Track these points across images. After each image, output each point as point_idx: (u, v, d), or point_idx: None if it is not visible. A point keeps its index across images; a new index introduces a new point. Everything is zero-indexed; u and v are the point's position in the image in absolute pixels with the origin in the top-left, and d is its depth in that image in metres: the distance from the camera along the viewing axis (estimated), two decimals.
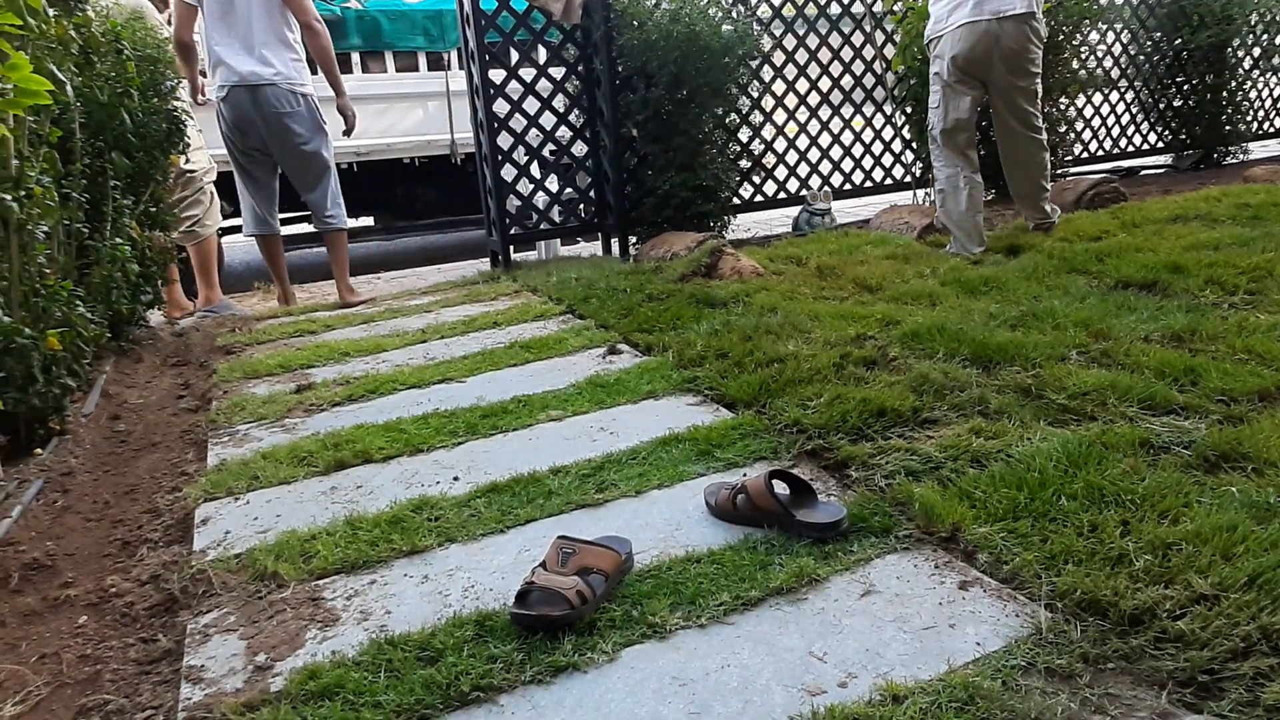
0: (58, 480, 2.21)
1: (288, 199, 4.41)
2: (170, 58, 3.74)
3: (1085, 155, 6.17)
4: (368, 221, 6.74)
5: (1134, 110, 6.33)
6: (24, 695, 1.39)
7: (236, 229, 6.05)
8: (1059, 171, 5.66)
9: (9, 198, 2.30)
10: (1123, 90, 6.25)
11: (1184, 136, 6.41)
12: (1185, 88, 6.30)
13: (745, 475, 1.82)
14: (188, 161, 4.09)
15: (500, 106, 4.46)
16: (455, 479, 1.99)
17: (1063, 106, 5.58)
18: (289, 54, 3.88)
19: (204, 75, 4.18)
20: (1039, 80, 3.80)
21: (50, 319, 2.49)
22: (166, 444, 2.51)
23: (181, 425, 2.66)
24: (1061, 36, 5.20)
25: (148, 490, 2.18)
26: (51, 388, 2.42)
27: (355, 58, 5.76)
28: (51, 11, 2.62)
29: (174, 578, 1.67)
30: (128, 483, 2.24)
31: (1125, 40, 6.18)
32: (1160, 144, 6.47)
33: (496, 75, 4.44)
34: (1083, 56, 5.82)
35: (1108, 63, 6.13)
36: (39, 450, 2.36)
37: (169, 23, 4.16)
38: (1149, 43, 6.21)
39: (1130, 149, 6.38)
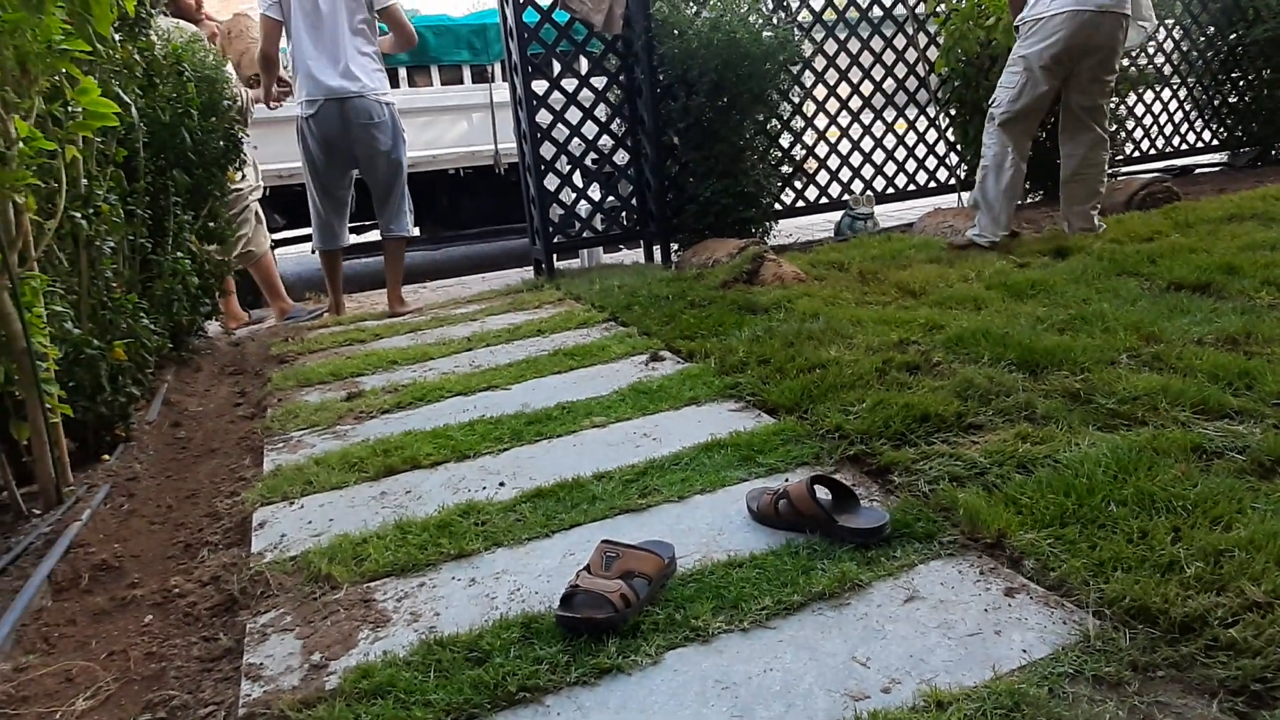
0: (124, 485, 2.30)
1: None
2: (227, 77, 3.86)
3: (1137, 154, 6.03)
4: (414, 232, 6.87)
5: (1187, 107, 6.17)
6: (94, 690, 1.46)
7: (288, 241, 6.23)
8: (1109, 171, 5.54)
9: (79, 215, 2.42)
10: (1175, 87, 6.10)
11: (1240, 133, 6.22)
12: (1241, 83, 6.12)
13: (787, 480, 1.82)
14: (242, 179, 4.22)
15: (543, 117, 4.53)
16: (501, 484, 2.03)
17: (1113, 105, 5.46)
18: (373, 65, 3.98)
19: (280, 85, 4.23)
20: (1113, 81, 3.80)
21: (116, 330, 2.60)
22: (225, 450, 2.60)
23: (239, 432, 2.75)
24: None
25: (208, 495, 2.26)
26: (118, 396, 2.52)
27: (402, 72, 5.88)
28: (118, 37, 2.74)
29: (233, 579, 1.73)
30: (189, 487, 2.33)
31: (1177, 36, 6.03)
32: (1215, 141, 6.29)
33: (539, 86, 4.51)
34: (1133, 53, 5.69)
35: (1159, 59, 5.99)
36: (106, 456, 2.46)
37: (211, 39, 4.27)
38: (1202, 38, 6.05)
39: (1184, 147, 6.22)
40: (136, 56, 3.03)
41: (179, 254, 3.28)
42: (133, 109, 2.85)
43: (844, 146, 5.26)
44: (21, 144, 1.98)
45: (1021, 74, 3.83)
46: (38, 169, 2.10)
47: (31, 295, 2.06)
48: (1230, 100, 6.17)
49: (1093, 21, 3.67)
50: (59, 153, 2.19)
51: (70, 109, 2.24)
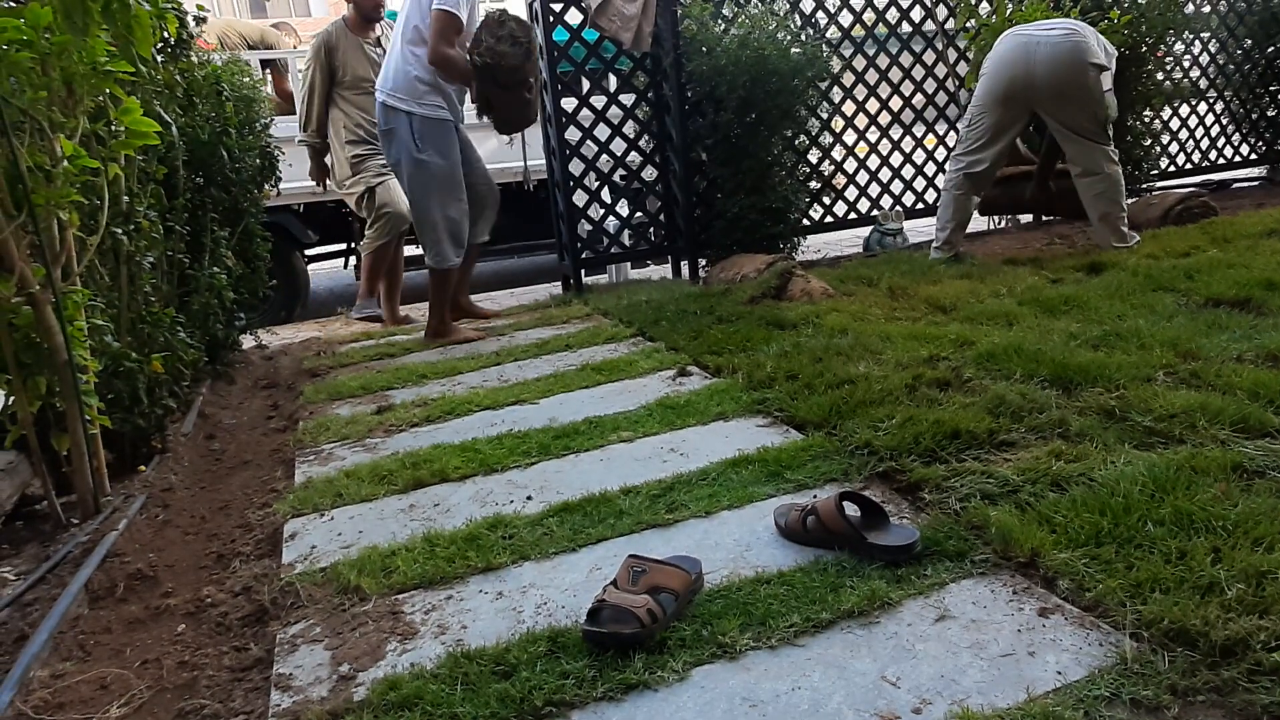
0: (159, 496, 2.34)
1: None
2: (264, 96, 3.93)
3: (1172, 169, 5.94)
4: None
5: (1224, 121, 6.07)
6: (128, 698, 1.48)
7: (322, 256, 6.32)
8: (1143, 186, 5.47)
9: (120, 231, 2.47)
10: (1211, 101, 6.00)
11: (1279, 147, 6.11)
12: (1279, 96, 6.02)
13: (815, 497, 1.81)
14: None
15: (572, 134, 4.57)
16: (529, 498, 2.04)
17: (1147, 119, 5.40)
18: (407, 67, 3.62)
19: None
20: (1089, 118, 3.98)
21: (154, 344, 2.66)
22: (257, 462, 2.64)
23: (271, 444, 2.79)
24: (1145, 48, 5.05)
25: (240, 506, 2.29)
26: (154, 409, 2.57)
27: None
28: (159, 59, 2.81)
29: (264, 590, 1.75)
30: (222, 499, 2.37)
31: (1213, 49, 5.95)
32: (1253, 156, 6.18)
33: (568, 103, 4.55)
34: (1168, 67, 5.62)
35: (1194, 73, 5.91)
36: (143, 467, 2.50)
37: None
38: (1239, 51, 5.96)
39: (1221, 161, 6.11)
40: (177, 77, 3.11)
41: (215, 269, 3.34)
42: (173, 128, 2.91)
43: (873, 162, 5.24)
44: (66, 162, 2.04)
45: (974, 117, 4.04)
46: (81, 186, 2.16)
47: (74, 309, 2.11)
48: (1269, 114, 6.06)
49: (1026, 49, 3.76)
50: (102, 170, 2.25)
51: (113, 128, 2.30)
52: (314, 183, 4.67)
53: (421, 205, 3.78)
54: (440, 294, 3.86)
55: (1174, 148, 5.92)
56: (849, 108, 5.16)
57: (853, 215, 5.26)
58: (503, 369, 3.23)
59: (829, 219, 5.20)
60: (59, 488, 2.20)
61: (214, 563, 1.98)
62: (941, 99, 5.32)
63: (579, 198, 4.66)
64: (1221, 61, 5.96)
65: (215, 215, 3.45)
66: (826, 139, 5.09)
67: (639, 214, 4.92)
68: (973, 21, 4.91)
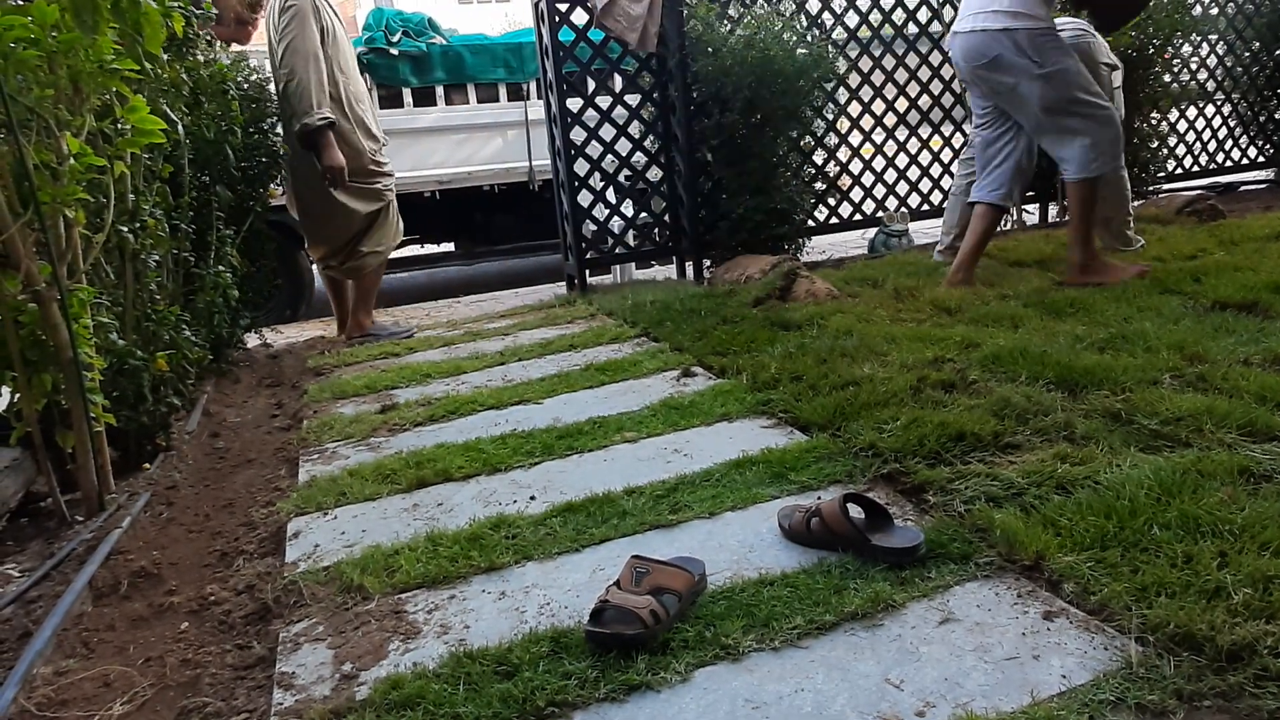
0: (163, 493, 2.35)
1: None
2: (269, 95, 3.91)
3: (1179, 171, 5.93)
4: (449, 247, 6.95)
5: (1231, 123, 6.05)
6: (131, 695, 1.48)
7: None
8: (1151, 189, 5.45)
9: (125, 229, 2.48)
10: (1219, 103, 5.98)
11: None
12: None
13: (819, 498, 1.80)
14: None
15: (577, 134, 4.56)
16: (532, 498, 2.04)
17: (1154, 121, 5.38)
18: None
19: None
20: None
21: (159, 342, 2.66)
22: (261, 461, 2.64)
23: (275, 443, 2.79)
24: (1152, 50, 5.03)
25: (244, 504, 2.30)
26: (159, 407, 2.57)
27: (439, 90, 5.98)
28: (166, 56, 2.81)
29: (267, 588, 1.76)
30: (226, 497, 2.37)
31: (1221, 51, 5.93)
32: (1261, 158, 6.16)
33: (574, 104, 4.55)
34: (1175, 69, 5.60)
35: (1202, 75, 5.89)
36: (147, 465, 2.51)
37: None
38: (1247, 53, 5.94)
39: (1228, 164, 6.09)
40: (184, 75, 3.11)
41: (220, 268, 3.35)
42: (179, 126, 2.92)
43: (878, 163, 5.24)
44: (73, 160, 2.05)
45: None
46: (87, 184, 2.16)
47: (79, 307, 2.12)
48: (1276, 116, 6.04)
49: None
50: (108, 169, 2.25)
51: (119, 126, 2.30)
52: (332, 181, 3.72)
53: (1066, 119, 3.31)
54: (1089, 213, 3.38)
55: (1181, 150, 5.90)
56: (854, 109, 5.15)
57: (858, 216, 5.25)
58: (507, 369, 3.23)
59: (834, 220, 5.19)
60: (63, 485, 2.20)
61: (217, 561, 1.98)
62: (947, 100, 5.31)
63: (584, 198, 4.66)
64: (1229, 64, 5.94)
65: (220, 214, 3.46)
66: (832, 140, 5.09)
67: (644, 214, 4.91)
68: None
